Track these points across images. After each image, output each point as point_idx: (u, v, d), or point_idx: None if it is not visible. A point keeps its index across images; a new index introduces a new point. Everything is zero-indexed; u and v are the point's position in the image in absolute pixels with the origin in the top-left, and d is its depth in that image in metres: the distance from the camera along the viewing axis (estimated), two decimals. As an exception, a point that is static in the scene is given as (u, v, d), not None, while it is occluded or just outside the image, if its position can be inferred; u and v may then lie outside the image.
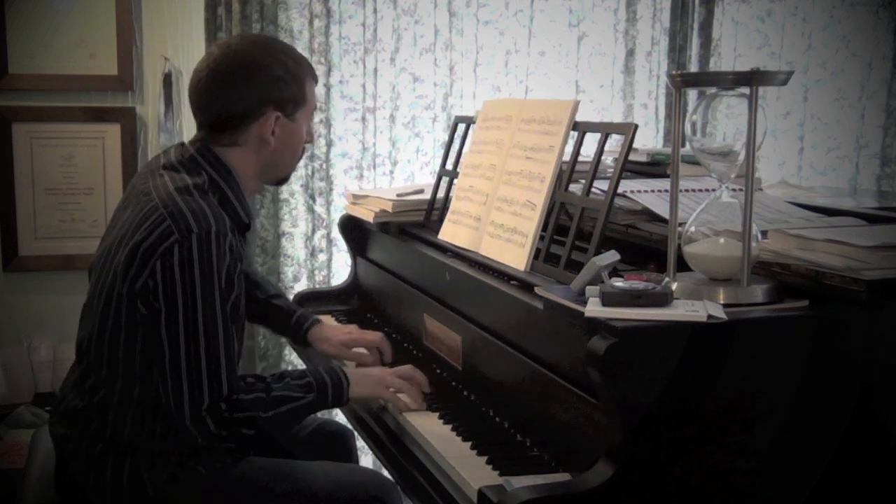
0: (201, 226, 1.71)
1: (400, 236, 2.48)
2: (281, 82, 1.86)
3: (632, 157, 2.16)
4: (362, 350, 2.25)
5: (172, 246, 1.70)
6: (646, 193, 2.02)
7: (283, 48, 1.95)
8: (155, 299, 1.72)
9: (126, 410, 1.81)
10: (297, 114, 1.91)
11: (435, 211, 2.42)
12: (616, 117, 3.56)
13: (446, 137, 2.81)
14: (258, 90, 1.85)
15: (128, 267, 1.73)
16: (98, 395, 1.83)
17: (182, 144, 1.94)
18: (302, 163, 3.30)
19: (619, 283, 1.51)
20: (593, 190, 1.86)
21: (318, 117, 3.30)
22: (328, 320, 2.69)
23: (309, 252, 3.36)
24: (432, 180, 2.63)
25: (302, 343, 2.32)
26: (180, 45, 3.30)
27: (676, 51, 3.62)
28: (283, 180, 2.05)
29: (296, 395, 1.83)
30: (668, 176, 1.74)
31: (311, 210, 3.35)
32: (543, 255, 1.88)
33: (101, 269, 1.83)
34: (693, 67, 3.59)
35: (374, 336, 2.25)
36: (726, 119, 1.75)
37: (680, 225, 1.60)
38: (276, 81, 1.86)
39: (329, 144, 3.34)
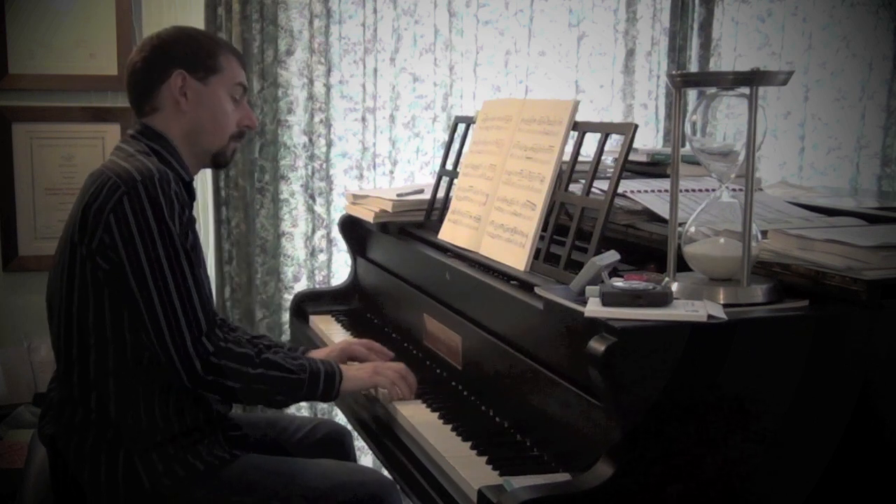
0: (144, 175, 1.79)
1: (400, 236, 2.48)
2: (185, 47, 1.97)
3: (632, 157, 2.16)
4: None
5: (121, 198, 1.77)
6: (646, 193, 2.01)
7: (198, 29, 2.11)
8: (115, 253, 1.77)
9: (105, 386, 1.82)
10: (211, 79, 1.97)
11: (435, 211, 2.42)
12: (616, 117, 3.56)
13: (446, 137, 2.81)
14: (164, 55, 1.96)
15: (83, 229, 1.80)
16: (74, 376, 1.84)
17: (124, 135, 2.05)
18: (302, 163, 3.31)
19: (619, 283, 1.51)
20: (593, 190, 1.86)
21: (318, 117, 3.31)
22: (328, 320, 2.70)
23: (309, 252, 3.37)
24: (432, 180, 2.63)
25: None
26: (180, 45, 3.30)
27: (676, 51, 3.62)
28: (220, 158, 2.04)
29: (287, 366, 1.88)
30: (668, 176, 1.74)
31: (311, 210, 3.35)
32: (543, 255, 1.88)
33: (60, 247, 1.89)
34: (693, 67, 3.59)
35: (360, 344, 2.23)
36: (726, 119, 1.76)
37: (680, 225, 1.60)
38: (181, 46, 1.97)
39: (329, 144, 3.34)
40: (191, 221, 1.87)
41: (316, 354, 2.20)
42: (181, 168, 1.96)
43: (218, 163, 2.06)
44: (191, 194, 1.97)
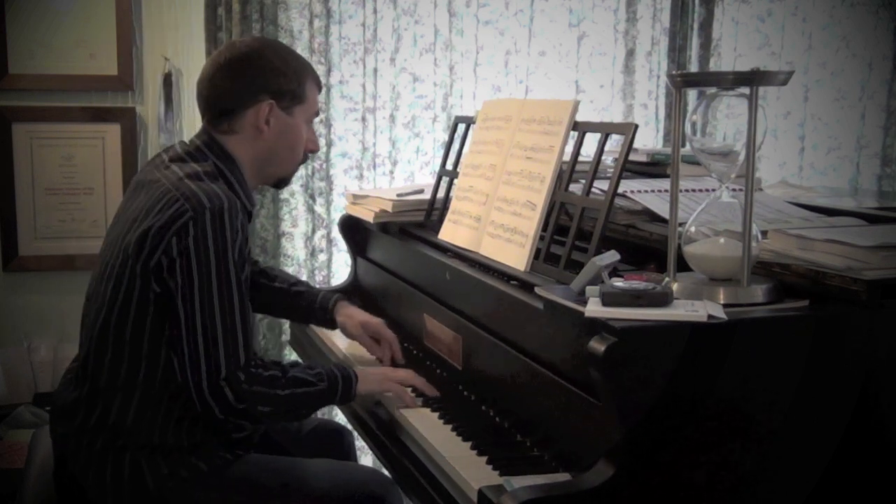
0: (214, 203, 1.76)
1: (400, 236, 2.48)
2: (278, 73, 1.93)
3: (632, 157, 2.16)
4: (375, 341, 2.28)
5: (187, 223, 1.74)
6: (646, 193, 2.02)
7: (286, 48, 2.05)
8: (170, 276, 1.75)
9: (130, 396, 1.82)
10: (295, 109, 1.96)
11: (435, 211, 2.42)
12: (616, 117, 3.56)
13: (446, 137, 2.81)
14: (254, 78, 1.92)
15: (140, 247, 1.77)
16: (101, 380, 1.83)
17: (183, 142, 2.00)
18: (302, 163, 3.31)
19: (619, 283, 1.51)
20: (593, 190, 1.86)
21: (318, 117, 3.30)
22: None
23: (309, 252, 3.37)
24: (432, 180, 2.63)
25: (328, 323, 2.35)
26: (180, 46, 3.30)
27: (676, 51, 3.62)
28: (283, 182, 2.08)
29: (310, 379, 1.88)
30: (668, 176, 1.74)
31: (311, 210, 3.35)
32: (543, 255, 1.88)
33: (110, 253, 1.86)
34: (693, 67, 3.59)
35: (389, 333, 2.26)
36: (726, 119, 1.76)
37: (680, 225, 1.60)
38: (273, 72, 1.93)
39: (329, 144, 3.34)
40: (249, 254, 1.86)
41: (350, 317, 2.28)
42: (245, 196, 1.93)
43: (279, 186, 2.09)
44: (249, 219, 1.96)
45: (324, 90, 3.29)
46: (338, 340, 2.47)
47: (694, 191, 2.02)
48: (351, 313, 2.31)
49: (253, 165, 1.96)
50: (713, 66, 3.55)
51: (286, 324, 3.26)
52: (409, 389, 2.00)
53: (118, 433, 1.83)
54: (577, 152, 1.92)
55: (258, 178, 2.00)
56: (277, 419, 1.96)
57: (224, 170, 1.90)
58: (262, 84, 1.92)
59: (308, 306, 2.35)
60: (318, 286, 3.29)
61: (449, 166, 2.44)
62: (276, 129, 1.94)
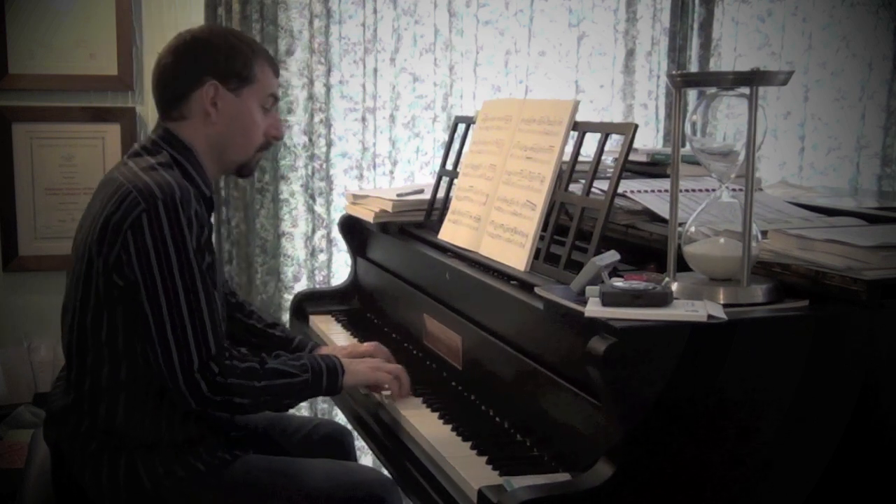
0: (165, 193, 1.75)
1: (400, 236, 2.48)
2: (221, 54, 1.92)
3: (632, 157, 2.16)
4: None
5: (140, 215, 1.74)
6: (646, 193, 2.02)
7: (237, 32, 2.04)
8: (131, 271, 1.75)
9: (116, 397, 1.82)
10: (243, 91, 1.94)
11: (435, 211, 2.42)
12: (616, 117, 3.56)
13: (446, 137, 2.81)
14: (197, 59, 1.92)
15: (101, 243, 1.78)
16: (86, 385, 1.84)
17: (143, 139, 2.01)
18: (302, 163, 3.31)
19: (619, 283, 1.51)
20: (593, 190, 1.86)
21: (318, 117, 3.31)
22: (328, 320, 2.70)
23: (309, 252, 3.37)
24: (432, 180, 2.63)
25: None
26: (180, 45, 3.30)
27: (676, 51, 3.62)
28: (245, 168, 2.03)
29: (291, 371, 1.87)
30: (668, 176, 1.74)
31: (311, 210, 3.35)
32: (543, 255, 1.88)
33: (76, 257, 1.87)
34: (693, 67, 3.59)
35: (370, 345, 2.20)
36: (726, 119, 1.75)
37: (680, 225, 1.60)
38: (216, 53, 1.92)
39: (329, 144, 3.34)
40: (208, 241, 1.84)
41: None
42: (203, 183, 1.92)
43: (242, 173, 2.06)
44: (210, 207, 1.96)
45: (324, 90, 3.29)
46: (337, 338, 2.47)
47: (694, 191, 2.02)
48: (331, 351, 2.20)
49: (209, 152, 1.95)
50: (713, 66, 3.55)
51: (286, 324, 3.25)
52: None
53: (111, 434, 1.83)
54: (577, 152, 1.92)
55: (217, 165, 1.98)
56: (258, 411, 1.93)
57: (180, 159, 1.90)
58: (205, 65, 1.91)
59: (283, 348, 2.22)
60: (317, 286, 3.30)
61: (449, 166, 2.44)
62: (225, 112, 1.92)
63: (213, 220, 1.98)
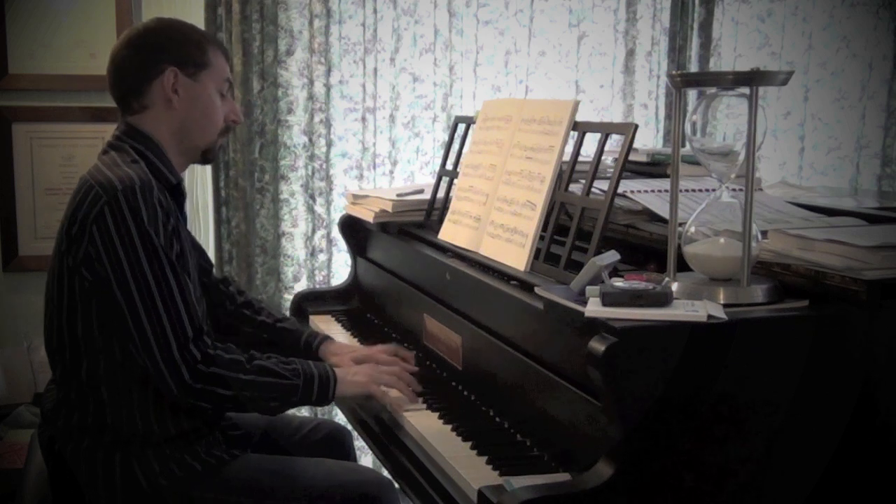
0: (125, 183, 1.77)
1: (400, 236, 2.48)
2: (176, 41, 1.94)
3: (632, 157, 2.16)
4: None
5: (103, 208, 1.76)
6: (646, 193, 2.01)
7: (184, 22, 2.05)
8: (100, 265, 1.76)
9: (98, 391, 1.82)
10: (201, 75, 1.95)
11: (435, 211, 2.42)
12: (616, 117, 3.56)
13: (446, 137, 2.81)
14: (154, 48, 1.93)
15: (69, 239, 1.79)
16: (72, 384, 1.84)
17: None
18: (302, 163, 3.31)
19: (619, 283, 1.51)
20: (593, 190, 1.86)
21: (318, 117, 3.31)
22: (328, 320, 2.70)
23: (309, 252, 3.37)
24: (432, 180, 2.63)
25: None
26: (180, 45, 3.30)
27: (676, 51, 3.62)
28: (208, 154, 2.03)
29: (279, 371, 1.86)
30: (668, 176, 1.74)
31: (311, 210, 3.35)
32: (543, 255, 1.88)
33: (52, 257, 1.88)
34: (693, 67, 3.59)
35: (385, 348, 2.17)
36: (726, 119, 1.75)
37: (680, 225, 1.60)
38: (171, 41, 1.94)
39: (329, 144, 3.34)
40: (175, 229, 1.83)
41: (336, 355, 2.17)
42: (168, 171, 1.93)
43: (206, 159, 2.05)
44: (180, 195, 1.96)
45: (324, 90, 3.29)
46: (337, 338, 2.46)
47: (694, 191, 2.02)
48: (337, 352, 2.21)
49: (172, 141, 1.95)
50: (713, 66, 3.55)
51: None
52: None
53: (102, 431, 1.83)
54: (577, 152, 1.92)
55: (182, 153, 1.98)
56: (243, 407, 1.89)
57: (143, 151, 1.91)
58: (163, 53, 1.92)
59: (292, 346, 2.27)
60: (317, 286, 3.30)
61: (449, 166, 2.44)
62: (185, 97, 1.93)
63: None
